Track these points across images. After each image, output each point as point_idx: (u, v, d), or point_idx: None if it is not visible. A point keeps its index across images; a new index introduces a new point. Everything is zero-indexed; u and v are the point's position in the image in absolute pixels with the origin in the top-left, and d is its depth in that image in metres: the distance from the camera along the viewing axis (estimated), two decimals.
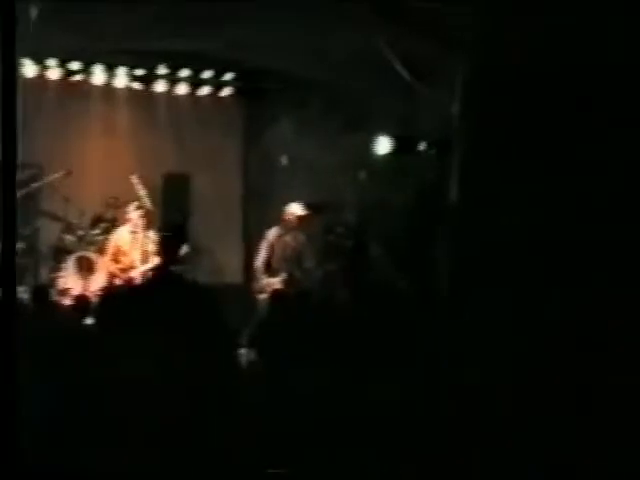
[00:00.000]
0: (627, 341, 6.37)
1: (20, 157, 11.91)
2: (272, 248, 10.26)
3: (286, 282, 9.99)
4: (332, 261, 10.94)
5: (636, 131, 7.06)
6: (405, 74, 9.41)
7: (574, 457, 5.41)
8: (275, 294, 9.61)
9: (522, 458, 5.33)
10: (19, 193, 11.24)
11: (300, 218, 10.27)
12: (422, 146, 10.01)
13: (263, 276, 10.17)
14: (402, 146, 10.59)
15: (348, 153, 11.36)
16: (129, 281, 9.70)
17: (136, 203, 10.31)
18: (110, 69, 12.08)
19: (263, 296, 9.97)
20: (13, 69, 2.74)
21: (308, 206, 10.39)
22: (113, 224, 11.27)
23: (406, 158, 10.44)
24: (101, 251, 10.83)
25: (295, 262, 10.21)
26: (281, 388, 6.00)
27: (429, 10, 8.30)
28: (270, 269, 10.19)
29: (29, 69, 11.86)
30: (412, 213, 10.47)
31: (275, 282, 10.02)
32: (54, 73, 12.03)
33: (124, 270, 9.94)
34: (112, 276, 10.02)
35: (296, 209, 10.28)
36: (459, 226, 8.99)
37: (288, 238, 10.26)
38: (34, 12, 8.90)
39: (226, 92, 12.69)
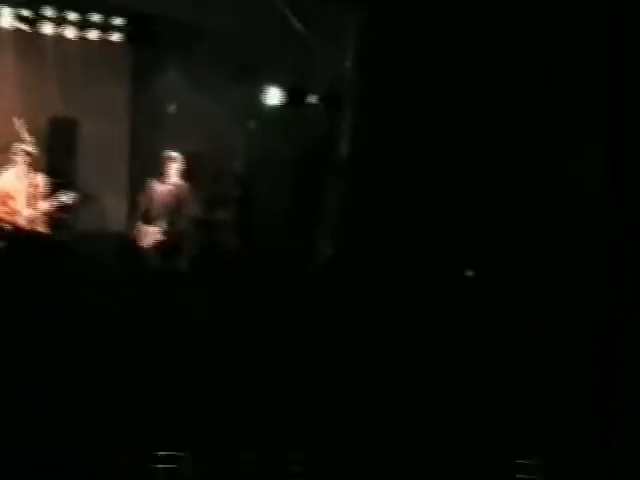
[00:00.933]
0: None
1: None
2: (151, 196, 10.23)
3: (167, 232, 9.97)
4: (219, 210, 10.93)
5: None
6: (298, 25, 9.42)
7: None
8: (156, 244, 9.63)
9: None
10: None
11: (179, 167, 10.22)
12: (313, 99, 10.05)
13: (143, 225, 10.11)
14: (293, 98, 10.63)
15: (238, 102, 11.34)
16: (15, 225, 9.51)
17: (21, 147, 10.04)
18: None
19: (145, 245, 9.95)
20: None
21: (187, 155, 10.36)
22: None
23: (297, 110, 10.47)
24: None
25: (176, 211, 10.19)
26: None
27: None
28: (149, 218, 10.16)
29: None
30: (301, 165, 10.53)
31: (155, 231, 10.00)
32: None
33: (10, 214, 9.69)
34: None
35: (172, 156, 10.26)
36: (348, 179, 9.11)
37: (169, 186, 10.23)
38: None
39: (115, 37, 12.44)
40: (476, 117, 7.74)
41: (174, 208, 10.16)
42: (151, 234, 9.97)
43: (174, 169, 10.25)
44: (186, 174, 10.35)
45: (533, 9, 7.60)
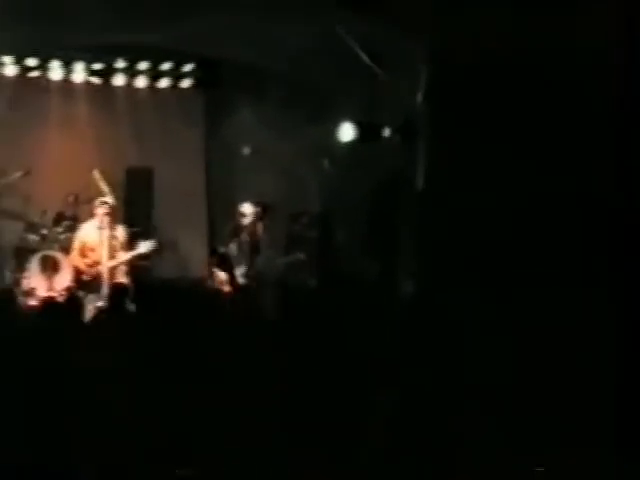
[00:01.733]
0: None
1: None
2: (229, 239, 10.26)
3: (246, 275, 9.96)
4: (299, 251, 10.90)
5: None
6: (367, 61, 9.38)
7: None
8: (235, 287, 9.64)
9: None
10: None
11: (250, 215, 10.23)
12: (386, 133, 9.97)
13: (218, 270, 10.12)
14: (365, 133, 10.57)
15: (310, 141, 11.34)
16: (96, 277, 9.59)
17: (100, 199, 10.13)
18: (68, 64, 11.94)
19: (224, 289, 9.94)
20: None
21: (258, 204, 10.33)
22: (75, 221, 11.15)
23: (370, 145, 10.41)
24: (65, 249, 10.68)
25: (253, 254, 10.17)
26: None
27: None
28: (227, 263, 10.16)
29: None
30: (377, 200, 10.46)
31: (234, 274, 10.01)
32: (10, 70, 11.88)
33: (91, 266, 9.78)
34: (79, 272, 9.86)
35: (247, 209, 10.23)
36: (424, 212, 9.01)
37: (244, 232, 10.23)
38: None
39: (185, 84, 12.59)
40: (551, 146, 7.60)
41: (252, 251, 10.13)
42: (227, 278, 9.97)
43: (250, 212, 10.22)
44: (262, 216, 10.32)
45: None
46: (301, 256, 10.37)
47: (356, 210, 10.91)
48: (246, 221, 10.19)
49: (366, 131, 10.58)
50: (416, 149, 9.49)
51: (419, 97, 9.31)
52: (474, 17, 7.83)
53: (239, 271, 10.00)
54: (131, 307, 7.98)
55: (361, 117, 10.63)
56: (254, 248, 10.14)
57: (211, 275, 10.32)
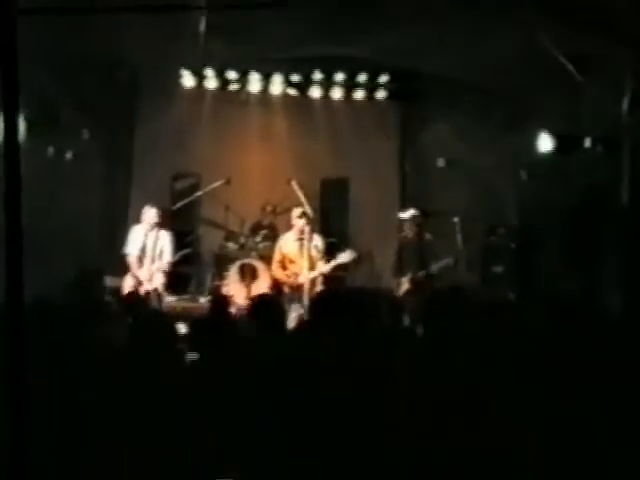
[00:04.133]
0: None
1: (180, 167, 12.34)
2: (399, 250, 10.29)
3: (412, 282, 9.91)
4: (495, 263, 10.73)
5: None
6: (572, 71, 9.14)
7: None
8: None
9: None
10: (180, 203, 11.57)
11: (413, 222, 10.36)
12: (587, 143, 9.69)
13: (395, 278, 10.17)
14: (565, 144, 10.31)
15: (507, 153, 11.18)
16: (297, 288, 9.74)
17: (300, 210, 10.28)
18: (266, 77, 12.20)
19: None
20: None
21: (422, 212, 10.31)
22: (272, 231, 11.39)
23: (570, 157, 10.14)
24: (263, 258, 10.93)
25: (420, 262, 10.13)
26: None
27: (596, 6, 8.01)
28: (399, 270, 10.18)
29: (188, 80, 12.13)
30: (578, 214, 10.18)
31: (404, 282, 10.01)
32: (212, 83, 12.25)
33: (290, 276, 9.97)
34: (279, 284, 10.05)
35: (407, 215, 10.24)
36: (630, 228, 8.69)
37: (412, 239, 10.21)
38: (202, 26, 9.07)
39: (380, 95, 12.60)
40: None
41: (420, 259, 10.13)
42: (404, 285, 9.98)
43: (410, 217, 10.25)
44: (423, 222, 10.32)
45: None
46: (451, 261, 10.18)
47: (555, 222, 10.65)
48: (407, 227, 10.22)
49: (566, 142, 10.33)
50: (620, 160, 9.18)
51: (624, 107, 9.00)
52: None
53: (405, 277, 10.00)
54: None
55: (560, 128, 10.39)
56: (420, 254, 10.11)
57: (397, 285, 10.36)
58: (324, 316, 6.51)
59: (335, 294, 8.26)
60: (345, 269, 11.06)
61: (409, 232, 10.28)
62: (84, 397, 4.77)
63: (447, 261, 10.16)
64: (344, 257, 9.97)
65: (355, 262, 10.70)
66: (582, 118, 9.98)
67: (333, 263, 9.97)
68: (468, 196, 11.17)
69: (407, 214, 10.30)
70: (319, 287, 9.87)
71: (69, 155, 11.02)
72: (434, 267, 10.13)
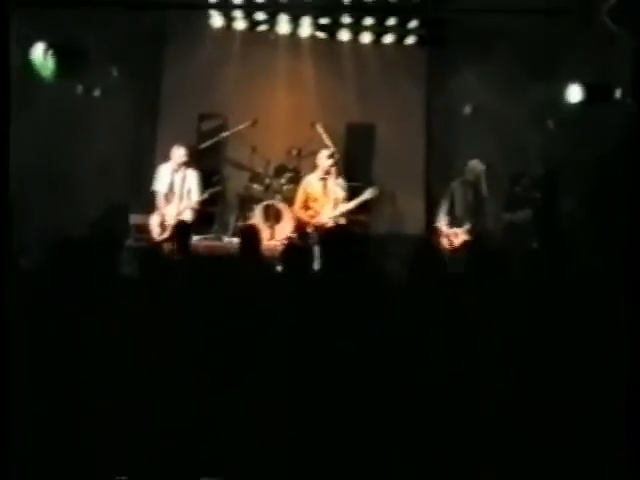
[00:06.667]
0: None
1: (207, 108, 12.34)
2: (452, 199, 10.22)
3: (469, 232, 9.92)
4: (519, 213, 10.72)
5: None
6: (606, 21, 9.07)
7: None
8: (462, 244, 9.60)
9: None
10: (206, 142, 11.61)
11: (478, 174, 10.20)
12: (618, 94, 9.64)
13: (446, 226, 10.12)
14: (594, 95, 10.26)
15: (535, 102, 11.12)
16: (319, 227, 9.78)
17: (327, 151, 10.31)
18: (294, 19, 12.14)
19: (447, 246, 9.95)
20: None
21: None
22: (297, 174, 11.43)
23: (599, 107, 10.09)
24: (287, 200, 10.99)
25: (476, 213, 10.12)
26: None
27: None
28: (453, 219, 10.15)
29: (216, 20, 12.12)
30: (604, 164, 10.13)
31: (458, 232, 9.97)
32: (240, 24, 12.22)
33: (314, 217, 10.01)
34: (301, 223, 10.10)
35: (476, 165, 10.18)
36: None
37: (468, 190, 10.18)
38: None
39: (409, 40, 12.53)
40: None
41: (474, 210, 10.09)
42: (453, 235, 9.97)
43: (478, 170, 10.18)
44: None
45: None
46: (529, 213, 10.20)
47: (581, 173, 10.63)
48: (470, 179, 10.19)
49: (595, 92, 10.28)
50: None
51: None
52: None
53: (463, 229, 10.00)
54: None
55: (590, 78, 10.33)
56: (479, 206, 10.12)
57: (433, 231, 10.37)
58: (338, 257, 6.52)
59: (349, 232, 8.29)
60: (368, 212, 11.10)
61: (471, 184, 10.24)
62: (104, 333, 4.87)
63: (524, 214, 10.22)
64: (367, 194, 9.99)
65: (378, 204, 10.75)
66: (614, 69, 9.91)
67: (356, 201, 10.01)
68: (493, 144, 11.14)
69: (477, 165, 10.22)
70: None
71: (97, 93, 11.07)
72: (510, 217, 10.18)
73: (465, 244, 9.42)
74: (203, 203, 10.61)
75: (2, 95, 2.97)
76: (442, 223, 10.18)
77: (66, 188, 10.56)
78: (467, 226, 9.97)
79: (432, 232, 10.50)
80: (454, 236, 9.99)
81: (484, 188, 10.13)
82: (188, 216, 10.25)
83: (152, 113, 12.64)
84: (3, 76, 2.91)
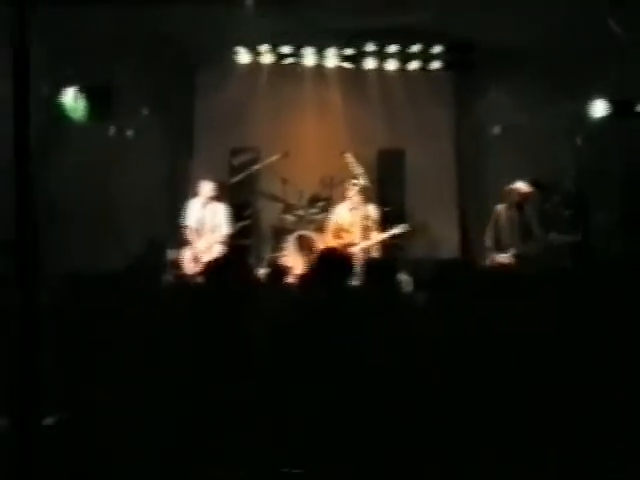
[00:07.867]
0: None
1: (238, 141, 12.49)
2: (497, 223, 10.08)
3: (515, 257, 9.83)
4: (551, 229, 10.68)
5: None
6: (620, 32, 9.10)
7: None
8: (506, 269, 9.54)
9: None
10: (238, 177, 11.76)
11: (524, 195, 10.00)
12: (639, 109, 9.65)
13: (493, 252, 10.02)
14: (619, 110, 10.28)
15: (562, 119, 11.14)
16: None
17: (353, 180, 10.44)
18: (320, 50, 12.32)
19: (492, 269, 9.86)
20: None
21: (533, 183, 10.13)
22: (329, 203, 11.52)
23: (625, 121, 10.10)
24: (320, 230, 11.09)
25: (522, 236, 10.00)
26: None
27: None
28: (499, 244, 10.02)
29: (243, 56, 12.32)
30: (634, 179, 10.13)
31: (504, 257, 9.87)
32: (267, 58, 12.42)
33: (345, 247, 10.07)
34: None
35: (522, 187, 10.03)
36: None
37: (513, 212, 10.04)
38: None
39: (435, 65, 12.63)
40: None
41: (521, 233, 9.96)
42: (499, 260, 9.89)
43: (514, 196, 10.04)
44: (526, 200, 10.09)
45: None
46: (577, 237, 10.11)
47: (611, 189, 10.62)
48: (515, 199, 10.03)
49: (620, 107, 10.29)
50: None
51: None
52: None
53: (509, 252, 9.89)
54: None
55: (615, 92, 10.34)
56: (525, 228, 9.97)
57: (467, 256, 10.33)
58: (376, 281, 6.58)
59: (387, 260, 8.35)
60: (401, 239, 11.16)
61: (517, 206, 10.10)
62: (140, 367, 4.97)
63: (573, 237, 10.14)
64: (398, 228, 10.09)
65: (411, 232, 10.78)
66: (636, 83, 9.93)
67: (387, 233, 10.09)
68: (523, 163, 11.16)
69: (524, 187, 10.06)
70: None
71: (130, 133, 11.31)
72: (554, 238, 10.08)
73: (509, 267, 9.38)
74: (237, 236, 10.75)
75: (23, 129, 3.13)
76: (489, 247, 10.11)
77: (105, 224, 10.77)
78: (513, 250, 9.88)
79: (469, 255, 10.47)
80: (498, 261, 9.90)
81: (530, 211, 9.99)
82: (218, 250, 10.40)
83: (185, 149, 12.86)
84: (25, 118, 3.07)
